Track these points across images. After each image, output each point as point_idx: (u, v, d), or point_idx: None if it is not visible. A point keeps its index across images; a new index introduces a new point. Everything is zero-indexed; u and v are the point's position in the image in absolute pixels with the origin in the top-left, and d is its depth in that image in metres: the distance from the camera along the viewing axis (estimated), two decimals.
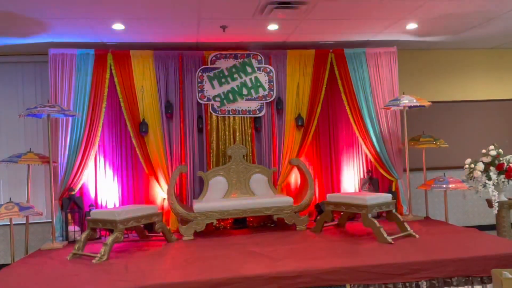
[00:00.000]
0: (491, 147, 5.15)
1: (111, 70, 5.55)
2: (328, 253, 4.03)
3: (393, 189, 5.88)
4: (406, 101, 5.37)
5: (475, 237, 4.45)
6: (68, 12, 4.43)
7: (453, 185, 5.10)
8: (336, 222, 5.34)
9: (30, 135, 5.78)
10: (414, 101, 5.38)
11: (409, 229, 4.58)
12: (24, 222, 4.99)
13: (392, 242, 4.27)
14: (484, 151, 5.20)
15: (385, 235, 4.33)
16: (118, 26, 4.92)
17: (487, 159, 5.11)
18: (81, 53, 5.45)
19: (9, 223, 4.73)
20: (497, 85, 6.73)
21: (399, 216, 4.72)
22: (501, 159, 5.05)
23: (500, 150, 5.11)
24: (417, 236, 4.51)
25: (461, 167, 5.35)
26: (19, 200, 4.80)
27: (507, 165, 4.98)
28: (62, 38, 5.25)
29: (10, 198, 4.74)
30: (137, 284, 3.34)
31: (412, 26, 5.36)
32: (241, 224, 5.64)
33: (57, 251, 4.67)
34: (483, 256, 3.72)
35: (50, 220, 5.13)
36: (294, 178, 5.98)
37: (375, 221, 4.46)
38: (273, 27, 5.15)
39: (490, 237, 4.45)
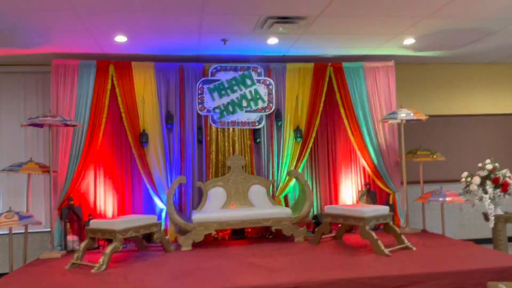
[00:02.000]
0: (487, 161, 5.20)
1: (112, 81, 5.62)
2: (326, 265, 4.06)
3: (391, 202, 5.92)
4: (404, 114, 5.44)
5: (472, 250, 4.49)
6: (71, 24, 4.51)
7: (450, 198, 5.15)
8: (334, 234, 5.37)
9: (31, 145, 5.82)
10: (412, 114, 5.45)
11: (406, 241, 4.62)
12: (23, 231, 5.01)
13: (389, 254, 4.30)
14: (480, 165, 5.25)
15: (382, 247, 4.36)
16: (120, 38, 5.00)
17: (483, 173, 5.16)
18: (83, 64, 5.52)
19: (8, 232, 4.74)
20: (493, 99, 6.82)
21: (396, 228, 4.76)
22: (497, 173, 5.10)
23: (496, 164, 5.16)
24: (414, 248, 4.54)
25: (458, 181, 5.40)
26: (19, 209, 4.82)
27: (503, 179, 5.03)
28: (64, 49, 5.32)
29: (10, 207, 4.76)
30: None
31: (409, 41, 5.45)
32: (239, 235, 5.65)
33: (55, 260, 4.68)
34: (479, 269, 3.76)
35: (49, 230, 5.16)
36: (293, 189, 6.01)
37: (373, 233, 4.49)
38: (273, 40, 5.25)
39: (486, 251, 4.48)
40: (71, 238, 5.22)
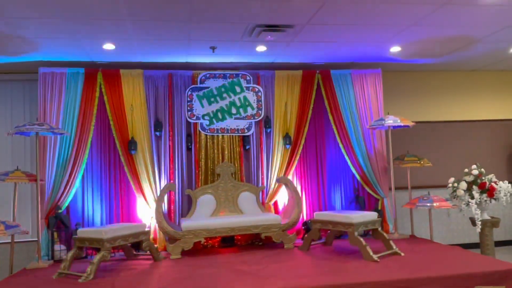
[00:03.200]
0: (474, 166, 5.28)
1: (101, 89, 5.59)
2: (315, 271, 4.07)
3: (379, 208, 5.96)
4: (391, 121, 5.51)
5: (459, 255, 4.54)
6: (59, 32, 4.50)
7: (437, 204, 5.20)
8: (323, 240, 5.39)
9: (18, 153, 5.76)
10: (398, 121, 5.52)
11: (394, 247, 4.65)
12: (10, 241, 4.93)
13: (378, 260, 4.33)
14: (466, 170, 5.33)
15: (371, 253, 4.39)
16: (108, 46, 5.00)
17: (469, 178, 5.23)
18: (71, 72, 5.50)
19: None
20: (480, 106, 6.93)
21: (384, 234, 4.79)
22: (483, 178, 5.18)
23: (482, 169, 5.24)
24: (402, 254, 4.58)
25: (445, 186, 5.48)
26: (5, 219, 4.75)
27: (489, 184, 5.10)
28: (52, 57, 5.30)
29: None
30: None
31: (395, 49, 5.53)
32: (229, 242, 5.64)
33: (42, 270, 4.61)
34: (467, 273, 3.81)
35: (36, 239, 5.09)
36: (282, 196, 6.02)
37: (361, 239, 4.52)
38: (261, 48, 5.28)
39: (474, 255, 4.54)
40: (58, 247, 5.15)
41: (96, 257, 4.25)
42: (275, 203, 6.01)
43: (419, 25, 4.71)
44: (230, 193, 5.70)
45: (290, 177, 5.94)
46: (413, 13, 4.39)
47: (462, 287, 3.74)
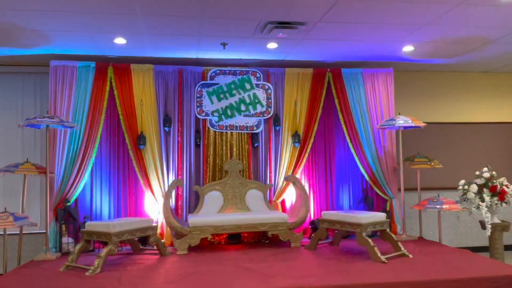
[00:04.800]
0: (485, 169, 5.20)
1: (111, 83, 5.61)
2: (322, 271, 4.04)
3: (388, 208, 5.91)
4: (402, 121, 5.44)
5: (468, 258, 4.48)
6: (71, 26, 4.51)
7: (447, 206, 5.14)
8: (330, 240, 5.36)
9: (28, 146, 5.80)
10: (410, 121, 5.46)
11: (402, 248, 4.61)
12: (18, 232, 4.97)
13: (386, 261, 4.29)
14: (477, 173, 5.26)
15: (379, 254, 4.35)
16: (120, 40, 5.00)
17: (480, 181, 5.16)
18: (82, 66, 5.51)
19: (3, 233, 4.71)
20: (492, 108, 6.84)
21: (393, 235, 4.75)
22: (494, 181, 5.10)
23: (494, 172, 5.17)
24: (410, 256, 4.53)
25: (455, 188, 5.40)
26: (14, 210, 4.78)
27: (500, 187, 5.03)
28: (63, 50, 5.32)
29: (5, 208, 4.72)
30: None
31: (408, 48, 5.47)
32: (235, 239, 5.63)
33: (50, 262, 4.64)
34: (476, 277, 3.75)
35: (44, 231, 5.12)
36: (290, 194, 6.00)
37: (369, 240, 4.48)
38: (272, 45, 5.25)
39: (483, 259, 4.47)
40: (66, 240, 5.18)
41: (104, 251, 4.26)
42: (283, 202, 5.99)
43: (433, 24, 4.64)
44: (237, 190, 5.69)
45: (298, 175, 5.91)
46: (428, 12, 4.33)
47: None
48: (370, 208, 5.88)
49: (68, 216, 5.27)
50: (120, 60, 5.65)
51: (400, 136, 5.68)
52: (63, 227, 5.19)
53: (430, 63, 6.24)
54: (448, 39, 5.15)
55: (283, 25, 4.52)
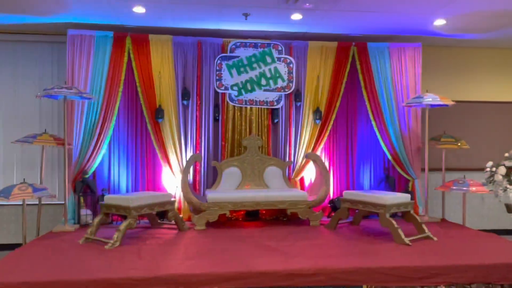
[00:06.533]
0: None
1: (129, 54, 5.46)
2: (345, 252, 3.95)
3: (410, 189, 5.76)
4: (430, 99, 5.21)
5: (496, 242, 4.34)
6: None
7: (474, 188, 4.96)
8: (350, 220, 5.25)
9: (45, 116, 5.73)
10: (438, 99, 5.22)
11: (427, 231, 4.47)
12: (37, 203, 4.97)
13: (410, 244, 4.17)
14: (507, 154, 5.04)
15: (403, 236, 4.23)
16: (139, 9, 4.82)
17: (509, 163, 4.94)
18: (99, 35, 5.36)
19: (21, 204, 4.70)
20: None
21: (417, 217, 4.60)
22: None
23: None
24: (435, 239, 4.40)
25: (481, 170, 5.19)
26: (32, 181, 4.76)
27: None
28: (81, 19, 5.16)
29: (24, 179, 4.70)
30: (150, 274, 3.29)
31: (440, 22, 5.18)
32: (253, 216, 5.56)
33: (68, 234, 4.64)
34: (505, 263, 3.62)
35: (62, 202, 5.11)
36: (309, 172, 5.87)
37: (393, 221, 4.35)
38: (296, 16, 5.02)
39: (511, 243, 4.32)
40: (84, 212, 5.17)
41: (123, 224, 4.23)
42: (301, 179, 5.87)
43: None
44: (256, 167, 5.58)
45: (318, 153, 5.76)
46: None
47: (499, 276, 3.57)
48: (392, 188, 5.73)
49: (86, 188, 5.24)
50: (138, 30, 5.48)
51: (426, 115, 5.46)
52: (81, 199, 5.16)
53: (462, 38, 5.93)
54: (483, 12, 4.85)
55: None
